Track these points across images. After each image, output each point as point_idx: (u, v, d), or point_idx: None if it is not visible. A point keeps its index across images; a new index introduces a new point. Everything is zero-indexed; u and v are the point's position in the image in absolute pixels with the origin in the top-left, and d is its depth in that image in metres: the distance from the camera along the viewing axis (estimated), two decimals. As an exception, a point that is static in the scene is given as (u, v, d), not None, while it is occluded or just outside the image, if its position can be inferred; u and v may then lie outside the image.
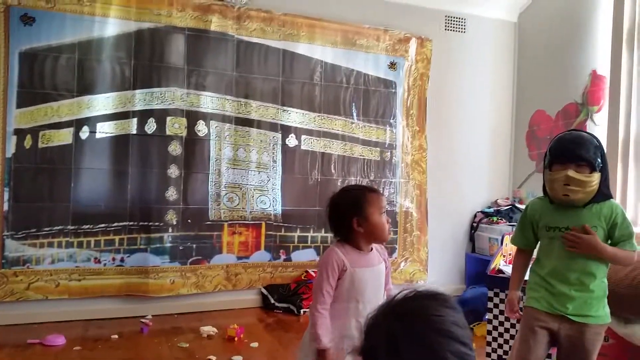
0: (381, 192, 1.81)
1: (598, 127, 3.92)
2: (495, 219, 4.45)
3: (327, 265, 1.71)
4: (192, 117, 3.69)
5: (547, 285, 1.87)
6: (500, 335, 2.90)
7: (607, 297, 1.86)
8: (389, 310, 0.86)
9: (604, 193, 1.79)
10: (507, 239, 3.32)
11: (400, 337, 0.80)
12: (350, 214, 1.73)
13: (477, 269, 4.21)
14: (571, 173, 1.72)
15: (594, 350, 1.82)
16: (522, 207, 4.48)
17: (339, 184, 4.08)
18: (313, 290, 1.76)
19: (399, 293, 0.89)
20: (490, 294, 2.96)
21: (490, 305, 2.96)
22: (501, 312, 2.91)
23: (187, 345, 3.02)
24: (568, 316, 1.81)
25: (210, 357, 2.81)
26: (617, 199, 3.71)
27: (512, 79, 4.81)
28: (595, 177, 1.74)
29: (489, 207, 4.65)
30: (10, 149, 3.29)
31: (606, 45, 3.83)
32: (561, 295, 1.82)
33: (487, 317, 2.97)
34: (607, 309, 1.85)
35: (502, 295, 2.92)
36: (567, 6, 4.23)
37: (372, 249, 1.80)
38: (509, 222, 4.31)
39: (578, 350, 1.82)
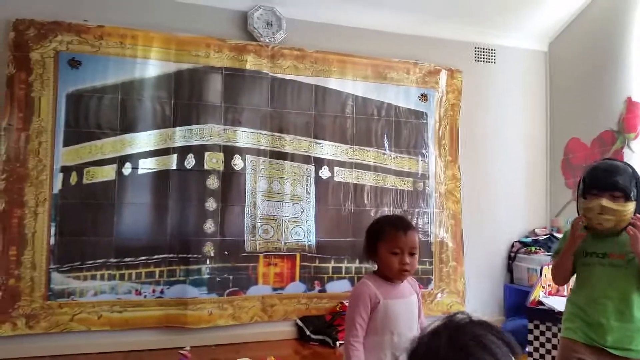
0: (408, 228, 1.75)
1: (635, 154, 3.86)
2: (533, 248, 4.37)
3: (358, 297, 1.73)
4: (229, 151, 3.81)
5: (584, 315, 1.82)
6: (543, 368, 2.84)
7: None
8: (444, 333, 0.85)
9: None
10: (546, 270, 3.28)
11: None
12: (372, 243, 1.78)
13: (516, 300, 4.13)
14: (605, 202, 1.73)
15: None
16: (560, 235, 4.42)
17: (372, 214, 4.10)
18: (346, 322, 1.78)
19: (452, 316, 0.89)
20: (531, 326, 2.92)
21: (530, 337, 2.91)
22: (542, 345, 2.86)
23: (225, 377, 3.05)
24: (607, 349, 1.76)
25: (248, 390, 2.83)
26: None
27: (545, 107, 4.79)
28: (630, 206, 1.74)
29: (527, 237, 4.58)
30: (57, 185, 3.46)
31: (640, 71, 3.81)
32: (599, 326, 1.77)
33: (527, 349, 2.92)
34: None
35: (542, 328, 2.87)
36: (598, 33, 4.23)
37: (402, 281, 1.80)
38: (547, 252, 4.23)
39: None
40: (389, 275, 1.76)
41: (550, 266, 2.07)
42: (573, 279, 1.98)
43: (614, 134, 4.06)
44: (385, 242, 1.74)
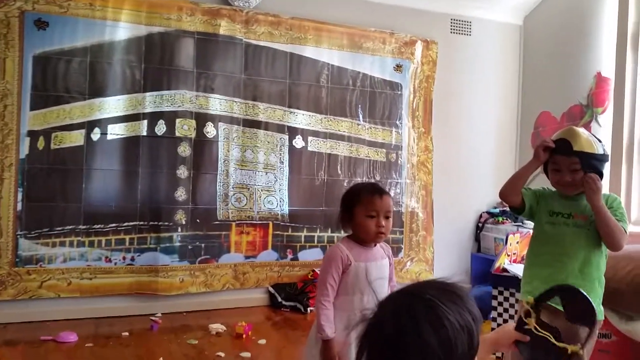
0: (383, 192, 1.83)
1: (602, 128, 3.95)
2: (500, 219, 4.48)
3: (331, 259, 1.79)
4: (201, 119, 3.76)
5: (544, 273, 1.88)
6: (505, 333, 2.93)
7: (603, 295, 1.89)
8: (404, 290, 0.90)
9: None
10: (512, 238, 3.38)
11: (407, 314, 0.83)
12: (347, 209, 1.83)
13: (483, 268, 4.25)
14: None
15: (586, 347, 1.83)
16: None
17: (345, 184, 4.13)
18: (318, 283, 1.83)
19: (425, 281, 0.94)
20: (495, 292, 3.01)
21: (494, 303, 3.01)
22: (505, 310, 2.96)
23: (197, 342, 3.08)
24: (562, 309, 1.82)
25: (219, 353, 2.87)
26: (622, 198, 3.72)
27: (517, 81, 4.85)
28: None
29: (495, 208, 4.68)
30: (24, 150, 3.37)
31: (611, 47, 3.86)
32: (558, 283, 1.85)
33: (491, 315, 3.02)
34: (601, 307, 1.87)
35: (506, 294, 2.97)
36: (572, 9, 4.26)
37: (375, 245, 1.85)
38: (514, 222, 4.34)
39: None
40: (365, 239, 1.81)
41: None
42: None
43: (583, 108, 4.14)
44: (362, 206, 1.79)
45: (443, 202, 4.53)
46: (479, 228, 4.66)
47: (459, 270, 4.59)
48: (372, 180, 4.24)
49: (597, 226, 1.82)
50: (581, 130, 1.89)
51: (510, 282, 2.95)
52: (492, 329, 2.96)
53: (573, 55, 4.23)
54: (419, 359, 0.81)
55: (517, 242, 3.39)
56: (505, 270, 3.11)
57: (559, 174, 1.88)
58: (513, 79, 4.82)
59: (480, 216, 4.68)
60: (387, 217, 1.81)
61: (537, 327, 1.29)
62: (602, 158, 1.86)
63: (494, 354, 2.75)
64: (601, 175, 1.84)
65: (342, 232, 1.90)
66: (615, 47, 3.80)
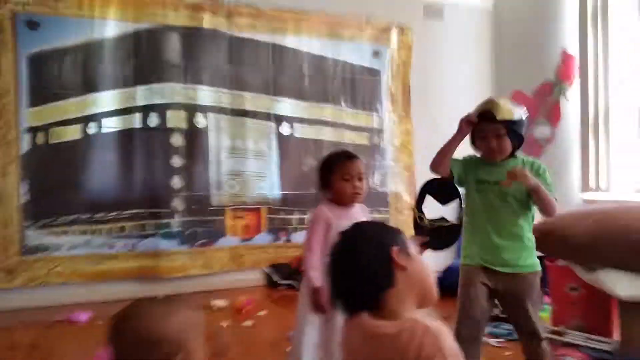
0: (354, 157, 2.05)
1: (570, 102, 4.22)
2: (480, 193, 4.73)
3: (315, 220, 2.02)
4: (191, 110, 3.95)
5: (479, 239, 2.00)
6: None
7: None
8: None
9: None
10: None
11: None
12: (324, 176, 2.05)
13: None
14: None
15: (530, 298, 1.97)
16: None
17: (331, 167, 4.34)
18: (305, 242, 2.04)
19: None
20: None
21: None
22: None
23: (200, 316, 3.27)
24: (501, 270, 1.96)
25: (223, 323, 3.07)
26: (590, 167, 4.01)
27: (490, 62, 5.09)
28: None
29: (474, 184, 4.92)
30: (25, 146, 3.53)
31: (574, 25, 4.12)
32: (494, 247, 1.97)
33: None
34: (537, 259, 2.01)
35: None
36: (537, -9, 4.52)
37: (354, 206, 2.06)
38: (493, 196, 4.59)
39: (516, 300, 1.97)
40: (343, 200, 2.02)
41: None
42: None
43: (552, 84, 4.40)
44: (337, 171, 2.01)
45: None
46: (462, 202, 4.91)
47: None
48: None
49: (534, 202, 1.93)
50: (501, 99, 1.99)
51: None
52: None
53: (541, 34, 4.48)
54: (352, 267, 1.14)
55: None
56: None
57: (485, 141, 1.97)
58: (486, 60, 5.07)
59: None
60: (360, 179, 2.01)
61: (429, 221, 1.60)
62: (522, 123, 1.96)
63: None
64: (522, 139, 1.98)
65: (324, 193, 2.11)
66: (578, 25, 4.06)
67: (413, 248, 1.21)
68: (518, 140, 1.99)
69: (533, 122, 4.58)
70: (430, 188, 1.81)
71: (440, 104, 4.85)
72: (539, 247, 2.82)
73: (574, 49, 4.15)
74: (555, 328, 2.73)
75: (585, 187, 4.01)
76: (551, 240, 2.58)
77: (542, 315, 3.09)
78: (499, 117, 1.92)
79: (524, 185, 1.86)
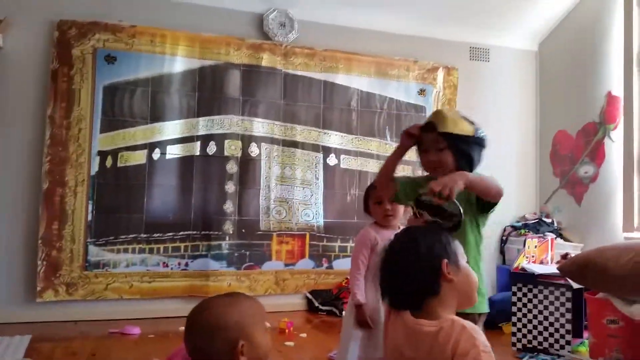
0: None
1: (615, 143, 4.25)
2: (523, 231, 4.76)
3: (361, 241, 2.24)
4: (246, 140, 4.23)
5: None
6: (524, 326, 3.22)
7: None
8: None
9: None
10: (529, 242, 3.69)
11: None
12: (366, 203, 2.32)
13: (507, 279, 4.51)
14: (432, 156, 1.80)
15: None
16: (549, 220, 4.81)
17: (375, 199, 4.50)
18: (351, 261, 2.24)
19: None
20: (514, 288, 3.30)
21: (514, 299, 3.29)
22: (524, 305, 3.24)
23: (246, 334, 3.44)
24: None
25: (267, 341, 3.22)
26: (634, 208, 4.01)
27: (534, 102, 5.19)
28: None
29: (518, 222, 4.96)
30: (95, 168, 3.88)
31: (619, 67, 4.19)
32: None
33: (513, 309, 3.30)
34: (482, 299, 1.71)
35: (524, 290, 3.26)
36: (583, 34, 4.62)
37: (398, 228, 2.23)
38: (536, 234, 4.61)
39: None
40: (380, 221, 2.25)
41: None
42: None
43: (596, 125, 4.45)
44: (371, 197, 2.25)
45: (467, 215, 4.82)
46: (503, 241, 4.94)
47: (486, 281, 4.84)
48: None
49: (478, 195, 1.72)
50: (450, 112, 1.85)
51: (528, 278, 3.25)
52: (513, 323, 3.25)
53: (585, 76, 4.57)
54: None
55: (535, 246, 3.69)
56: (524, 269, 3.40)
57: (426, 155, 1.82)
58: (530, 100, 5.17)
59: (504, 230, 4.96)
60: (392, 203, 2.18)
61: (430, 199, 1.49)
62: (470, 140, 1.77)
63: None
64: (470, 158, 1.77)
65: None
66: (623, 67, 4.14)
67: (462, 258, 1.33)
68: (466, 160, 1.77)
69: (577, 161, 4.63)
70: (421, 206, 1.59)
71: (484, 141, 4.96)
72: (577, 280, 2.90)
73: (618, 90, 4.22)
74: (594, 361, 2.75)
75: (627, 226, 4.00)
76: (590, 273, 2.64)
77: (581, 348, 3.12)
78: (441, 128, 1.74)
79: (456, 191, 1.53)
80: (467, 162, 1.78)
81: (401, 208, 2.22)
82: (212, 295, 1.32)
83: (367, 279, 2.14)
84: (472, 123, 1.83)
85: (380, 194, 2.01)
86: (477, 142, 1.80)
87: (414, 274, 1.25)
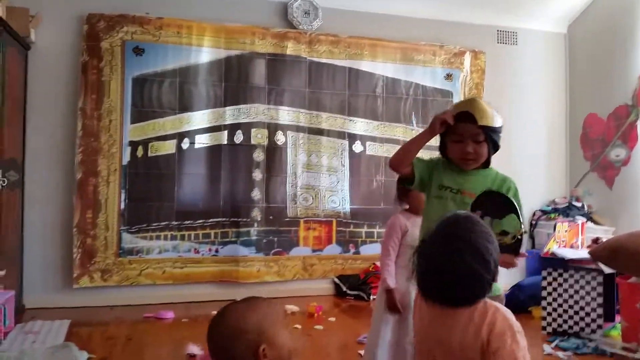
0: None
1: (648, 125, 4.16)
2: (552, 216, 4.71)
3: (391, 227, 2.24)
4: (272, 128, 4.27)
5: None
6: (555, 310, 3.21)
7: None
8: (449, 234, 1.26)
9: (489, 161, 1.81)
10: (559, 226, 3.65)
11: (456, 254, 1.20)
12: (400, 189, 2.28)
13: (536, 263, 4.47)
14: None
15: None
16: (579, 204, 4.74)
17: (401, 185, 4.50)
18: (382, 246, 2.25)
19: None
20: (544, 273, 3.28)
21: (544, 283, 3.27)
22: (554, 289, 3.22)
23: (275, 318, 3.51)
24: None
25: (296, 326, 3.29)
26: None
27: (564, 85, 5.09)
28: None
29: (547, 206, 4.90)
30: (126, 158, 3.97)
31: (652, 48, 4.09)
32: None
33: (543, 294, 3.28)
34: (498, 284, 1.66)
35: (554, 274, 3.24)
36: (613, 15, 4.51)
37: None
38: (566, 218, 4.56)
39: None
40: (420, 208, 2.16)
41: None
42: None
43: (628, 108, 4.35)
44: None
45: (495, 201, 4.78)
46: (532, 225, 4.89)
47: (513, 266, 4.81)
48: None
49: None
50: (483, 102, 1.80)
51: (558, 263, 3.22)
52: (543, 307, 3.23)
53: (616, 58, 4.46)
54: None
55: (566, 231, 3.65)
56: (554, 254, 3.38)
57: (460, 145, 1.75)
58: (560, 83, 5.08)
59: (534, 214, 4.91)
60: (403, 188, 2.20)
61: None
62: (500, 131, 1.78)
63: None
64: (497, 147, 1.79)
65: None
66: (656, 48, 4.03)
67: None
68: (494, 149, 1.79)
69: (608, 144, 4.54)
70: (478, 205, 1.58)
71: (513, 126, 4.86)
72: (609, 264, 2.87)
73: (651, 72, 4.11)
74: (626, 344, 2.72)
75: (662, 210, 3.93)
76: (622, 257, 2.61)
77: (613, 332, 3.10)
78: (481, 122, 1.71)
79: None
80: (495, 151, 1.80)
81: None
82: (230, 302, 1.33)
83: (398, 265, 2.16)
84: (495, 112, 1.80)
85: (396, 168, 1.87)
86: (501, 131, 1.79)
87: (470, 277, 1.18)
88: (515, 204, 1.61)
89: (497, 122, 1.75)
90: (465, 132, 1.73)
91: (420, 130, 4.57)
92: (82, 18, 3.93)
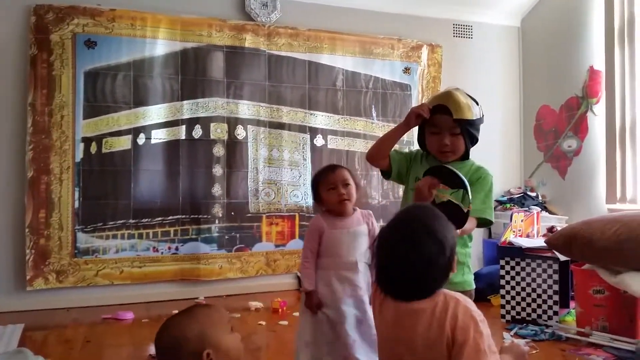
0: (336, 168, 2.07)
1: (597, 117, 4.32)
2: (508, 205, 4.83)
3: (310, 229, 2.11)
4: (232, 122, 4.20)
5: None
6: (513, 298, 3.30)
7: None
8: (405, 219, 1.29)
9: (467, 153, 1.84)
10: (515, 216, 3.75)
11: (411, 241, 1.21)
12: (316, 192, 2.12)
13: (493, 252, 4.58)
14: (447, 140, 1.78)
15: None
16: (533, 194, 4.89)
17: (362, 178, 4.53)
18: (302, 249, 2.14)
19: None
20: (502, 262, 3.37)
21: (502, 272, 3.36)
22: (512, 278, 3.31)
23: (239, 315, 3.48)
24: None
25: (261, 322, 3.26)
26: (617, 179, 4.08)
27: (517, 78, 5.23)
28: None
29: (503, 196, 5.03)
30: (79, 154, 3.83)
31: (601, 42, 4.23)
32: None
33: (501, 282, 3.37)
34: (469, 276, 1.80)
35: (512, 263, 3.33)
36: (564, 9, 4.66)
37: (353, 215, 2.10)
38: (521, 208, 4.69)
39: None
40: (335, 209, 2.07)
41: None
42: None
43: (579, 99, 4.51)
44: (323, 184, 2.06)
45: (454, 192, 4.88)
46: (488, 216, 5.00)
47: (472, 255, 4.92)
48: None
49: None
50: (459, 93, 1.79)
51: (515, 252, 3.31)
52: (502, 295, 3.32)
53: (568, 51, 4.61)
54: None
55: (522, 220, 3.76)
56: (510, 243, 3.47)
57: (437, 137, 1.77)
58: (514, 76, 5.21)
59: (490, 205, 5.02)
60: (345, 185, 2.05)
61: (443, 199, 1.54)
62: (479, 122, 1.79)
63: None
64: (475, 140, 1.80)
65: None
66: (604, 42, 4.18)
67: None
68: (471, 142, 1.81)
69: (561, 135, 4.69)
70: (436, 172, 1.59)
71: (468, 118, 5.00)
72: (564, 252, 2.97)
73: (600, 65, 4.26)
74: (581, 329, 2.83)
75: (610, 198, 4.09)
76: (577, 245, 2.70)
77: (568, 318, 3.21)
78: (456, 115, 1.73)
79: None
80: (472, 143, 1.82)
81: (355, 191, 2.06)
82: (171, 315, 1.31)
83: (318, 266, 2.07)
84: (476, 102, 1.82)
85: (372, 161, 1.89)
86: (480, 122, 1.81)
87: (429, 266, 1.19)
88: (465, 181, 1.60)
89: (474, 115, 1.76)
90: (443, 125, 1.75)
91: (381, 122, 4.64)
92: (30, 9, 3.74)
